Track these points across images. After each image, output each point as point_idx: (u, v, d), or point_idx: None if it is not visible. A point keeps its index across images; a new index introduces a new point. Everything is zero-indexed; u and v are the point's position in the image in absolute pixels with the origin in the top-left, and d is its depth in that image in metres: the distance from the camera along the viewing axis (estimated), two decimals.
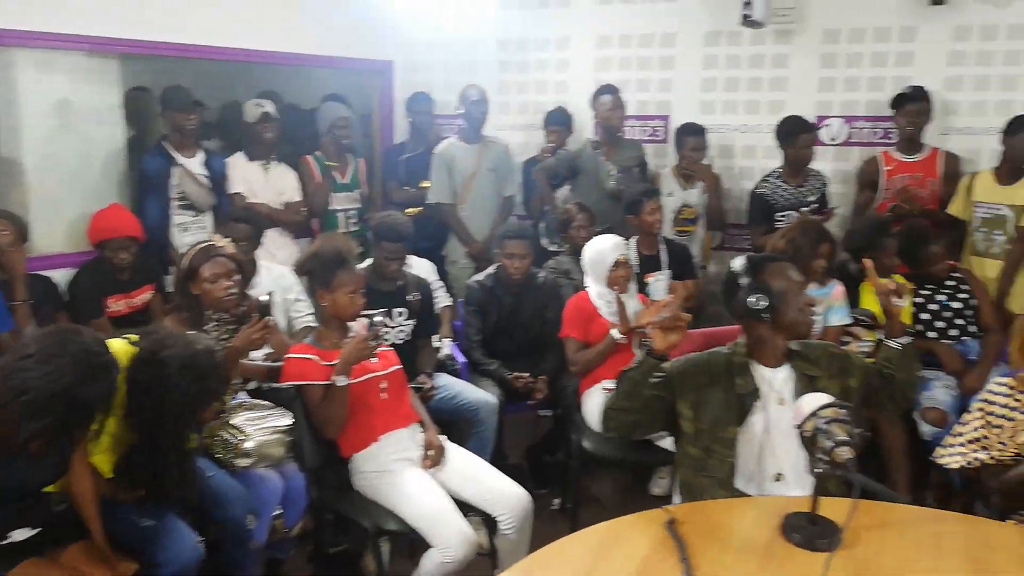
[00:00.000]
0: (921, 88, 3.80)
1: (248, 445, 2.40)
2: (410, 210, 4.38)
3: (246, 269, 2.75)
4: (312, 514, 2.60)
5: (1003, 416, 1.98)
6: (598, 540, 1.72)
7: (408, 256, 3.36)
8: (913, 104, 3.77)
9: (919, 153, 3.86)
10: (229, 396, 2.55)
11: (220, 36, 3.95)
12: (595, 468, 3.63)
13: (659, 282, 3.73)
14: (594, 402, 3.08)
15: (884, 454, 3.16)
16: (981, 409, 2.04)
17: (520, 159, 4.56)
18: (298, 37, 4.33)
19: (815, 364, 2.05)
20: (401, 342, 3.19)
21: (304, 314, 3.31)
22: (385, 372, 2.57)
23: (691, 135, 4.08)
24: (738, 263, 2.07)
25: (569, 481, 3.21)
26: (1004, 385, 2.02)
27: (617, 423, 2.04)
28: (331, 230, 4.08)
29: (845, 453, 1.54)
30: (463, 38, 4.75)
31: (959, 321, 3.38)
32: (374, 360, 2.52)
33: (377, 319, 2.43)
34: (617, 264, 3.17)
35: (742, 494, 1.99)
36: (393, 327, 3.19)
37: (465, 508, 2.47)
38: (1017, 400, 1.98)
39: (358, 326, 2.64)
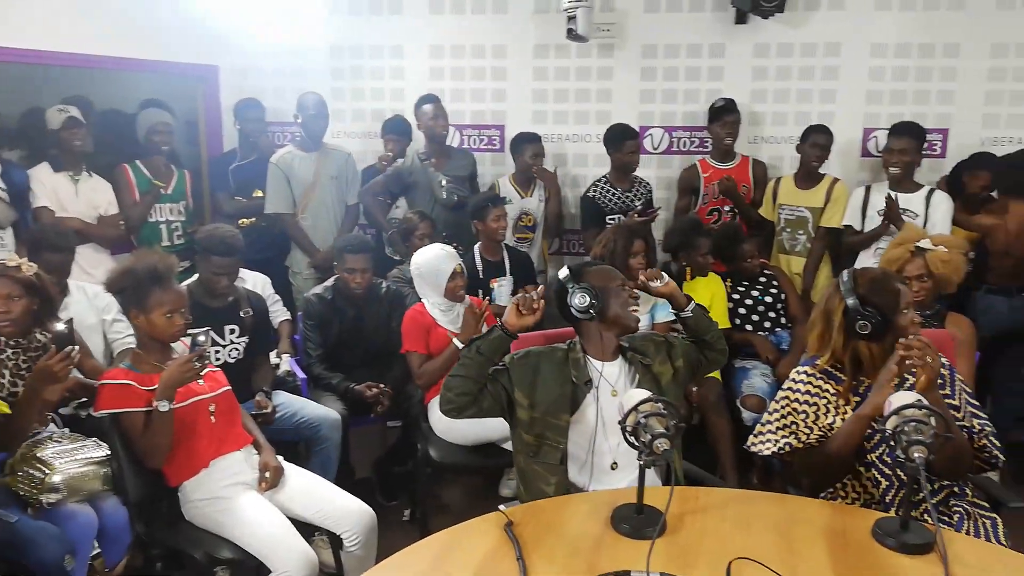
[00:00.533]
0: (732, 101, 4.14)
1: (55, 479, 2.20)
2: (244, 221, 4.21)
3: (44, 292, 2.49)
4: (139, 550, 2.42)
5: (806, 402, 2.09)
6: (439, 547, 1.73)
7: (240, 270, 3.22)
8: (727, 116, 4.10)
9: (732, 161, 4.20)
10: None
11: (20, 37, 3.62)
12: (445, 476, 3.63)
13: (503, 287, 3.80)
14: (440, 410, 3.08)
15: (712, 441, 3.40)
16: (786, 397, 2.14)
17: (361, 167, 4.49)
18: (112, 39, 4.05)
19: (644, 354, 2.21)
20: (235, 361, 3.04)
21: (124, 335, 3.09)
22: (213, 394, 2.43)
23: (529, 143, 4.19)
24: (563, 271, 2.19)
25: (417, 491, 3.19)
26: (803, 373, 2.13)
27: (456, 393, 2.07)
28: (153, 244, 3.83)
29: (663, 444, 1.63)
30: (293, 43, 4.61)
31: (771, 314, 3.69)
32: (200, 382, 2.38)
33: (201, 338, 2.29)
34: (454, 274, 3.18)
35: (574, 483, 2.11)
36: (225, 345, 3.03)
37: (309, 529, 2.41)
38: (816, 386, 2.10)
39: (181, 347, 2.49)
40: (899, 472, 1.98)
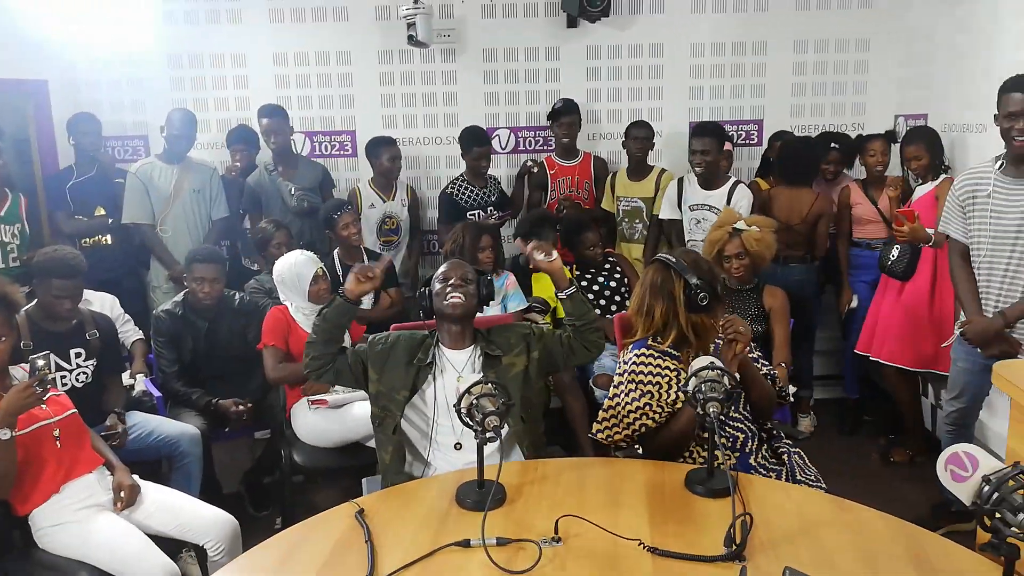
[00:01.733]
0: (571, 101, 4.39)
1: None
2: (87, 240, 4.07)
3: None
4: None
5: (651, 383, 2.24)
6: (292, 538, 1.82)
7: (85, 291, 3.14)
8: (566, 116, 4.34)
9: (576, 158, 4.46)
10: None
11: None
12: (314, 481, 3.66)
13: None
14: (302, 415, 3.14)
15: (570, 420, 3.63)
16: (631, 380, 2.26)
17: None
18: None
19: (500, 346, 2.38)
20: (83, 384, 2.97)
21: None
22: (58, 419, 2.39)
23: (385, 146, 4.27)
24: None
25: (285, 497, 3.23)
26: (642, 355, 2.28)
27: (311, 357, 2.33)
28: None
29: (493, 421, 1.80)
30: (128, 54, 4.49)
31: (617, 298, 3.97)
32: (43, 407, 2.34)
33: (40, 363, 2.25)
34: (316, 278, 3.24)
35: (418, 455, 2.35)
36: (71, 369, 2.95)
37: (176, 545, 2.43)
38: (656, 365, 2.26)
39: (21, 372, 2.44)
40: (747, 426, 2.27)
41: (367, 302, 3.86)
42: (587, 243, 3.89)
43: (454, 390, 2.18)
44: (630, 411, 2.24)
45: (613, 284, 3.97)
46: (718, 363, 1.95)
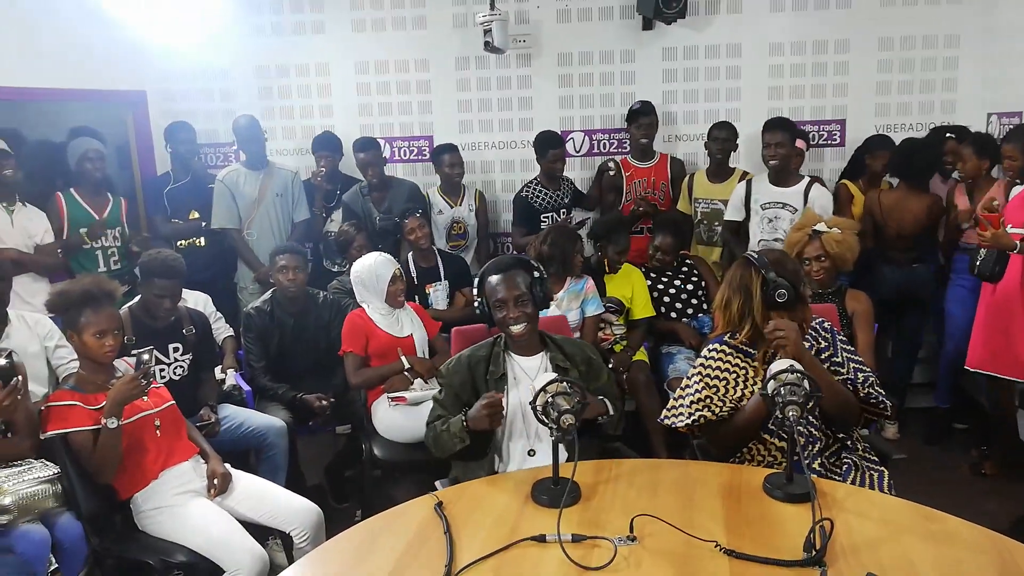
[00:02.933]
0: (648, 103, 4.38)
1: (6, 501, 2.29)
2: (182, 242, 4.30)
3: None
4: (95, 563, 2.52)
5: (717, 377, 2.27)
6: (374, 528, 1.89)
7: (182, 291, 3.32)
8: (644, 118, 4.34)
9: (652, 160, 4.44)
10: None
11: None
12: (393, 475, 3.76)
13: (438, 292, 3.98)
14: (382, 411, 3.24)
15: (644, 421, 3.62)
16: (699, 373, 2.30)
17: None
18: (39, 71, 4.12)
19: (569, 358, 2.39)
20: (179, 378, 3.15)
21: (68, 360, 3.14)
22: (158, 409, 2.56)
23: (445, 153, 4.37)
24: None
25: (365, 490, 3.33)
26: (715, 350, 2.31)
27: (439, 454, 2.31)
28: (88, 270, 3.90)
29: (569, 420, 1.83)
30: (220, 65, 4.72)
31: (693, 301, 3.94)
32: (145, 399, 2.50)
33: (145, 357, 2.42)
34: (393, 279, 3.34)
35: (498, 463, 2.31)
36: (169, 363, 3.14)
37: (264, 533, 2.54)
38: (728, 361, 2.29)
39: (125, 366, 2.61)
40: (810, 431, 2.21)
41: (442, 302, 3.96)
42: (655, 252, 3.90)
43: (529, 397, 2.20)
44: (692, 402, 2.26)
45: (690, 287, 3.94)
46: (798, 366, 1.93)
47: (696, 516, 1.84)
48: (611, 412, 2.33)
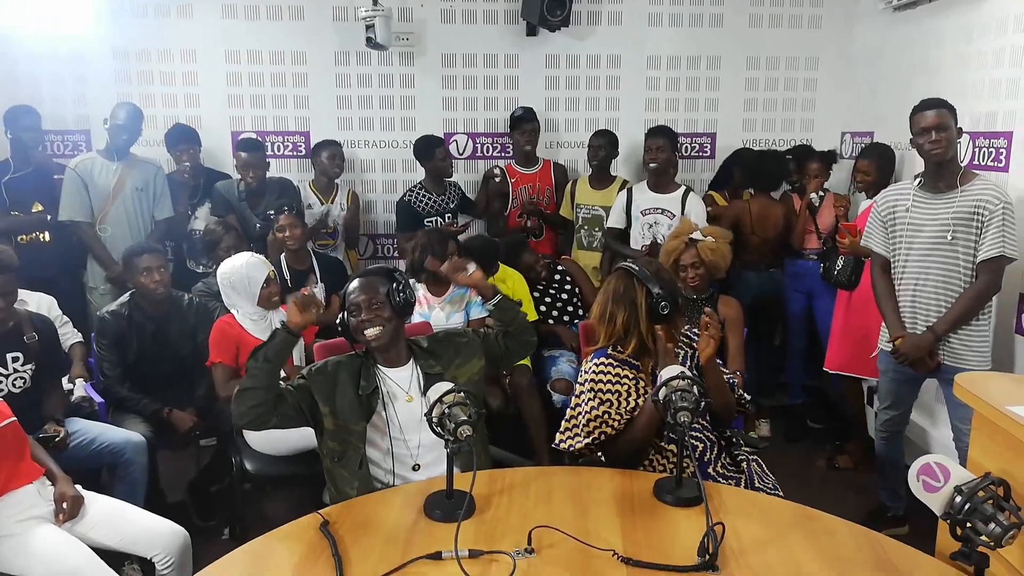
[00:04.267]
0: (531, 109, 4.40)
1: None
2: (23, 237, 3.89)
3: None
4: None
5: (610, 391, 2.25)
6: (254, 553, 1.76)
7: (21, 292, 2.98)
8: (526, 124, 4.36)
9: (536, 166, 4.47)
10: None
11: None
12: (264, 489, 3.56)
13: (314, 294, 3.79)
14: (237, 424, 3.04)
15: (527, 424, 3.61)
16: (591, 389, 2.28)
17: None
18: None
19: (438, 359, 2.31)
20: (20, 390, 2.81)
21: None
22: None
23: (325, 147, 4.22)
24: None
25: (235, 506, 3.12)
26: (602, 364, 2.29)
27: (250, 406, 2.07)
28: None
29: (466, 431, 1.77)
30: (72, 47, 4.31)
31: (570, 308, 3.97)
32: None
33: None
34: (268, 280, 3.14)
35: (378, 481, 2.21)
36: (8, 375, 2.80)
37: (120, 558, 2.32)
38: (615, 374, 2.28)
39: None
40: (705, 435, 2.29)
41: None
42: (528, 265, 3.89)
43: (406, 410, 2.17)
44: (589, 419, 2.24)
45: (564, 296, 3.97)
46: (688, 373, 1.96)
47: (592, 525, 1.83)
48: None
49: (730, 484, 2.26)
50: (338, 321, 2.28)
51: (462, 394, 1.86)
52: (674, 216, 3.98)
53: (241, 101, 4.46)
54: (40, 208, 3.93)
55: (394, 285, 2.27)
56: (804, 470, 3.86)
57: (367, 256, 4.73)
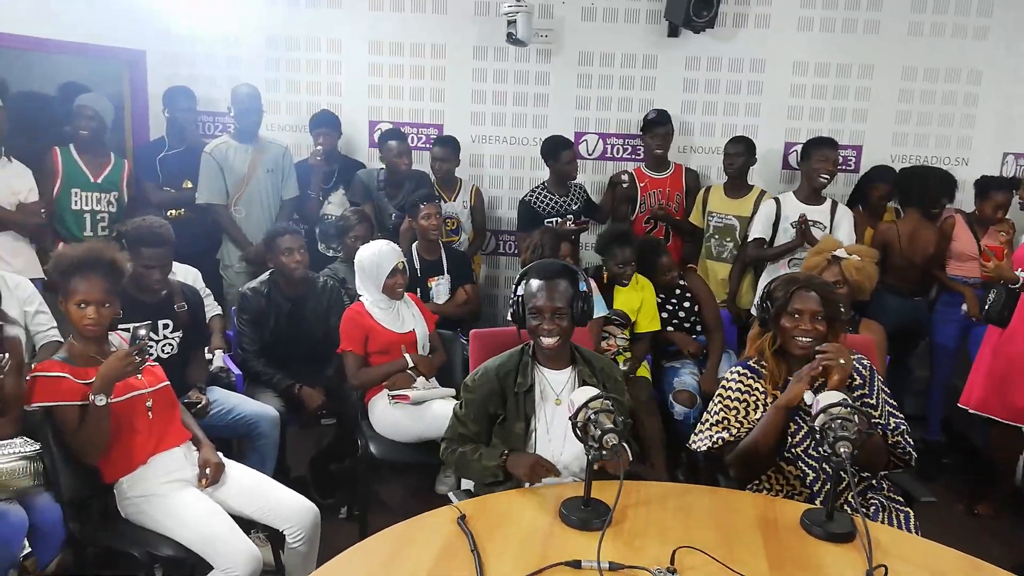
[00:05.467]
0: (665, 112, 4.29)
1: None
2: (172, 212, 4.10)
3: None
4: (72, 549, 2.34)
5: (736, 399, 2.26)
6: (392, 542, 1.76)
7: (172, 261, 3.14)
8: (659, 128, 4.25)
9: (667, 170, 4.35)
10: None
11: None
12: (381, 472, 3.63)
13: (440, 286, 3.85)
14: (381, 408, 3.10)
15: (642, 439, 3.52)
16: (720, 395, 2.31)
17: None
18: (30, 19, 3.88)
19: (595, 375, 2.22)
20: (168, 356, 2.97)
21: (47, 328, 2.97)
22: (151, 389, 2.38)
23: (440, 145, 4.24)
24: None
25: (356, 488, 3.19)
26: (736, 373, 2.31)
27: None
28: (73, 235, 3.70)
29: (612, 439, 1.72)
30: (227, 31, 4.52)
31: (687, 325, 3.83)
32: (139, 377, 2.33)
33: (142, 332, 2.24)
34: (394, 271, 3.18)
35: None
36: (158, 340, 2.96)
37: (248, 525, 2.38)
38: (747, 385, 2.27)
39: (119, 340, 2.43)
40: (825, 465, 2.13)
41: (443, 296, 3.82)
42: (663, 269, 3.77)
43: (559, 416, 2.10)
44: (710, 424, 2.27)
45: (682, 314, 3.84)
46: (850, 401, 1.84)
47: (736, 550, 1.74)
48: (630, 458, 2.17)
49: (882, 524, 2.11)
50: (512, 307, 2.20)
51: (609, 401, 1.81)
52: (825, 228, 3.80)
53: (380, 91, 4.56)
54: (190, 185, 4.13)
55: (579, 293, 2.18)
56: (941, 514, 3.59)
57: (489, 251, 4.74)
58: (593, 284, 3.54)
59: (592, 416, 1.78)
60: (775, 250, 3.93)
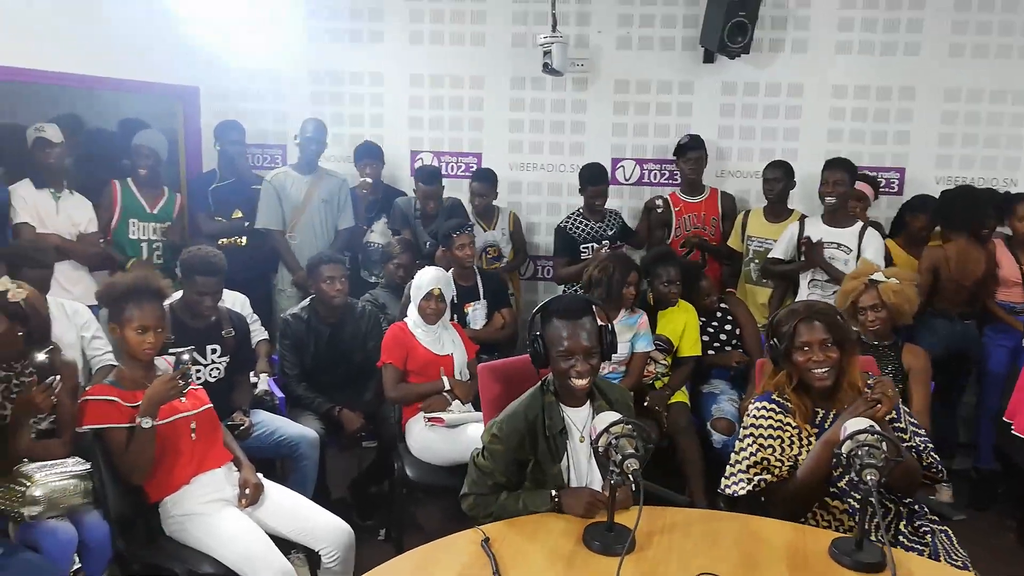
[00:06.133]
0: (698, 137, 4.30)
1: (36, 492, 2.24)
2: (224, 240, 4.27)
3: (32, 317, 2.44)
4: (119, 565, 2.45)
5: (771, 436, 2.18)
6: (417, 562, 1.80)
7: (223, 289, 3.27)
8: (692, 152, 4.26)
9: (701, 194, 4.35)
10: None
11: (2, 55, 3.68)
12: (419, 496, 3.68)
13: (477, 311, 3.90)
14: (417, 430, 3.15)
15: (681, 465, 3.49)
16: (751, 435, 2.19)
17: None
18: (96, 59, 4.12)
19: (612, 406, 2.18)
20: (215, 380, 3.09)
21: (103, 352, 3.12)
22: (195, 412, 2.49)
23: (476, 180, 4.34)
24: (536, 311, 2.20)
25: (393, 510, 3.24)
26: (763, 408, 2.23)
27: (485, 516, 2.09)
28: (127, 260, 3.90)
29: (633, 464, 1.73)
30: (274, 68, 4.71)
31: (728, 349, 3.81)
32: (183, 400, 2.43)
33: (185, 357, 2.35)
34: (429, 295, 3.24)
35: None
36: (206, 365, 3.08)
37: (287, 545, 2.45)
38: (777, 419, 2.20)
39: (165, 364, 2.54)
40: (853, 493, 2.09)
41: (480, 322, 3.87)
42: (703, 293, 3.78)
43: (583, 453, 2.10)
44: (748, 466, 2.17)
45: (723, 337, 3.82)
46: (877, 427, 1.82)
47: None
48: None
49: (914, 555, 2.07)
50: (531, 345, 2.14)
51: (630, 426, 1.82)
52: (851, 251, 3.74)
53: (421, 123, 4.68)
54: (240, 215, 4.31)
55: (603, 328, 2.13)
56: (993, 544, 3.48)
57: (527, 276, 4.80)
58: (645, 319, 3.56)
59: (613, 441, 1.80)
60: (783, 267, 3.91)
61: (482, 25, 4.56)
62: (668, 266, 3.63)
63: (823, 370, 2.16)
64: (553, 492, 2.04)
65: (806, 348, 2.18)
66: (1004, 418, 3.51)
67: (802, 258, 3.85)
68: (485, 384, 2.66)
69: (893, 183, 4.45)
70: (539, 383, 2.21)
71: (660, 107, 4.54)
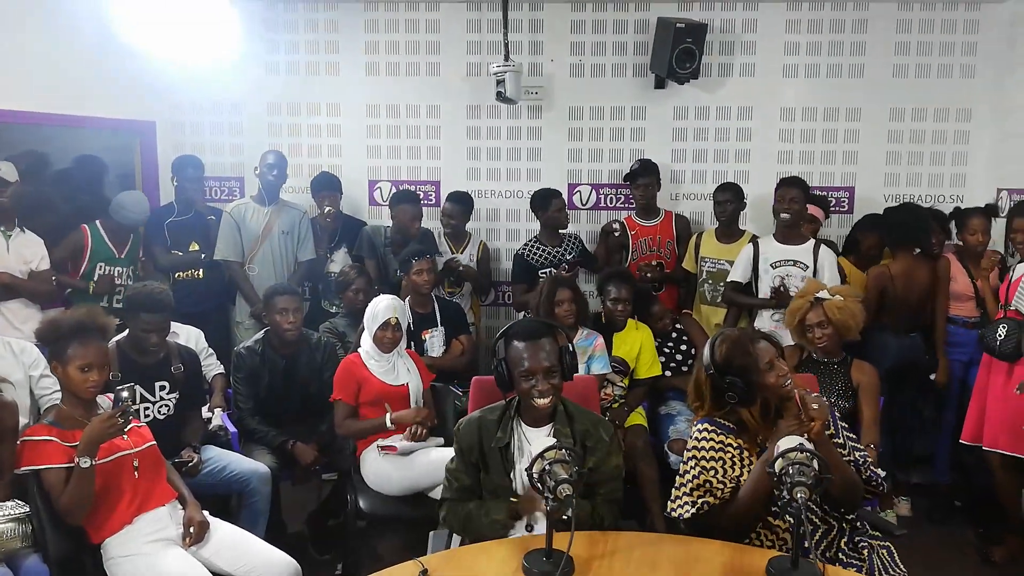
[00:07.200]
0: (648, 163, 4.37)
1: None
2: (180, 274, 4.25)
3: None
4: None
5: (712, 459, 2.18)
6: None
7: (173, 324, 3.24)
8: (642, 179, 4.33)
9: (656, 218, 4.41)
10: None
11: None
12: (377, 528, 3.64)
13: (434, 339, 3.89)
14: (371, 460, 3.13)
15: (640, 489, 3.49)
16: (693, 457, 2.19)
17: None
18: (52, 96, 4.09)
19: (572, 433, 2.21)
20: (164, 416, 3.05)
21: (51, 391, 3.06)
22: (137, 450, 2.46)
23: (450, 202, 4.34)
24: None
25: (348, 543, 3.21)
26: (705, 431, 2.23)
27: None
28: (89, 303, 3.84)
29: (566, 490, 1.74)
30: (231, 100, 4.73)
31: (684, 367, 3.84)
32: (124, 437, 2.41)
33: (124, 394, 2.32)
34: (386, 324, 3.23)
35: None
36: (154, 401, 3.04)
37: None
38: (719, 442, 2.20)
39: (107, 403, 2.52)
40: (810, 516, 2.09)
41: (438, 349, 3.86)
42: (655, 317, 3.84)
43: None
44: (693, 488, 2.18)
45: (679, 357, 3.85)
46: (808, 445, 1.84)
47: None
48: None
49: (851, 572, 2.08)
50: (495, 368, 2.21)
51: (564, 451, 1.83)
52: (807, 267, 3.80)
53: (379, 152, 4.71)
54: (196, 247, 4.29)
55: (563, 348, 2.20)
56: (954, 560, 3.50)
57: (488, 303, 4.81)
58: (601, 340, 3.58)
59: (547, 467, 1.81)
60: (749, 301, 3.95)
61: (436, 56, 4.63)
62: (619, 285, 3.65)
63: (789, 380, 2.16)
64: (513, 499, 2.12)
65: (770, 366, 2.16)
66: (963, 439, 3.54)
67: (760, 284, 3.91)
68: (476, 399, 2.70)
69: (843, 202, 4.54)
70: (508, 399, 2.28)
71: (614, 132, 4.62)
